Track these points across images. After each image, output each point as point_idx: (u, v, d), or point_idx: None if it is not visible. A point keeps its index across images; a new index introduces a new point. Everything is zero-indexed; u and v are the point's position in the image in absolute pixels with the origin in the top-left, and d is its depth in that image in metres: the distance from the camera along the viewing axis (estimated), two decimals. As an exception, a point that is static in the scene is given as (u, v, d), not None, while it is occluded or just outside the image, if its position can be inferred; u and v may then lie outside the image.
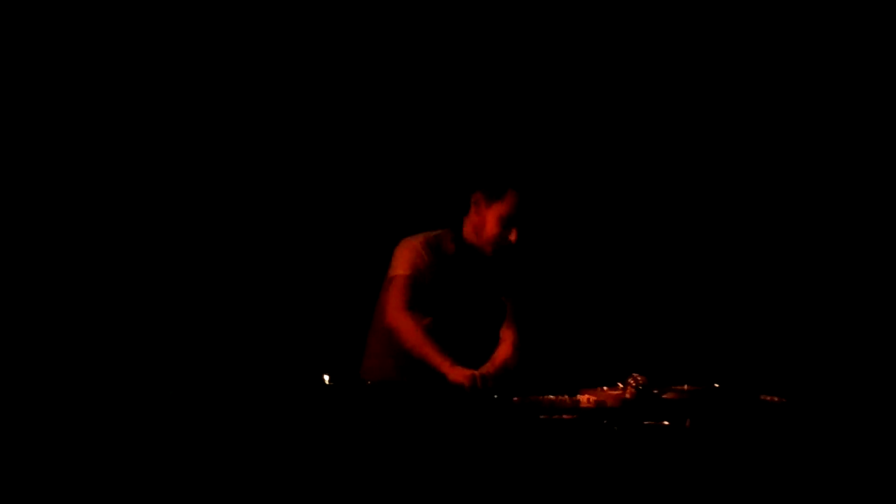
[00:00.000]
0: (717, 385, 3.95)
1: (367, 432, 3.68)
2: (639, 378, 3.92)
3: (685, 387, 3.97)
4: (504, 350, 4.23)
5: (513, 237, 4.13)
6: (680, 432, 3.82)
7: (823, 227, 5.45)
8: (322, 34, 5.24)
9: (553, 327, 4.70)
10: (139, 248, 5.25)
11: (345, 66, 5.24)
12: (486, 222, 4.15)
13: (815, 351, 5.22)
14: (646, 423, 3.83)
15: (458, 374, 3.86)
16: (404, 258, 4.13)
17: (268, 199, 5.15)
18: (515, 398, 3.81)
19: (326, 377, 3.72)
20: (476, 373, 3.90)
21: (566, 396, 3.92)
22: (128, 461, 4.81)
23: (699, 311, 5.31)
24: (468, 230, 4.20)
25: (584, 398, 3.91)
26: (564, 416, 3.84)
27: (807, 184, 5.45)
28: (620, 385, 3.94)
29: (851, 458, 3.98)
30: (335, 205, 5.12)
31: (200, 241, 5.21)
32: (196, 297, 5.17)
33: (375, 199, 5.07)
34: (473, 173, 4.36)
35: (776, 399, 3.88)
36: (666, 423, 3.82)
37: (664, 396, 3.90)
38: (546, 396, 3.90)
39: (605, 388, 3.97)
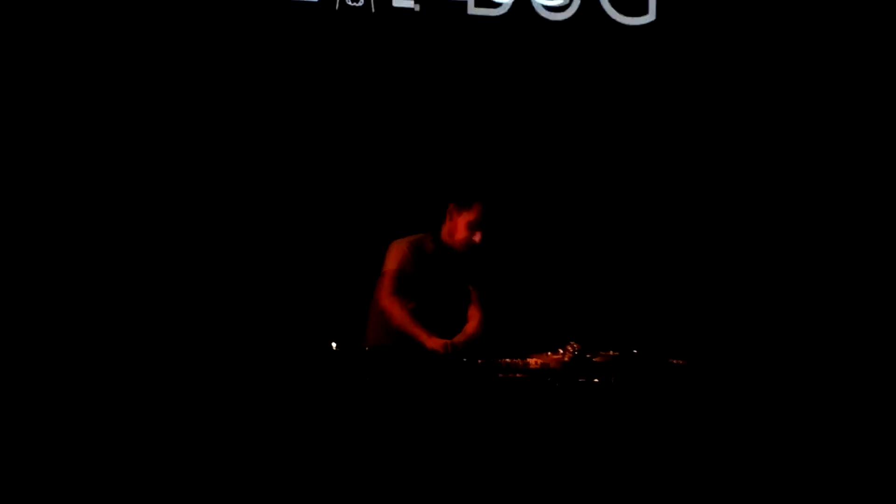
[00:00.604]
0: (635, 351, 4.70)
1: (364, 387, 4.44)
2: (575, 345, 4.64)
3: (611, 352, 4.69)
4: (471, 325, 5.01)
5: (477, 238, 4.97)
6: (606, 388, 4.57)
7: (722, 209, 6.16)
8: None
9: (509, 306, 5.38)
10: (147, 233, 5.62)
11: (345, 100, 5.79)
12: (457, 227, 4.99)
13: (713, 323, 6.03)
14: (580, 380, 4.56)
15: (434, 342, 4.70)
16: (393, 256, 4.96)
17: (289, 204, 5.77)
18: (479, 360, 4.59)
19: (334, 344, 4.55)
20: (448, 342, 4.73)
21: (518, 360, 4.62)
22: (140, 433, 5.04)
23: (622, 293, 6.08)
24: (444, 234, 5.03)
25: (533, 361, 4.62)
26: (517, 375, 4.59)
27: (705, 168, 6.15)
28: (561, 351, 4.64)
29: (740, 410, 4.67)
30: (347, 210, 5.80)
31: (220, 234, 5.73)
32: (219, 286, 5.71)
33: (376, 206, 5.77)
34: (448, 189, 5.12)
35: (680, 362, 4.67)
36: (596, 380, 4.56)
37: (595, 360, 4.61)
38: (503, 359, 4.62)
39: (549, 353, 4.66)
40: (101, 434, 5.05)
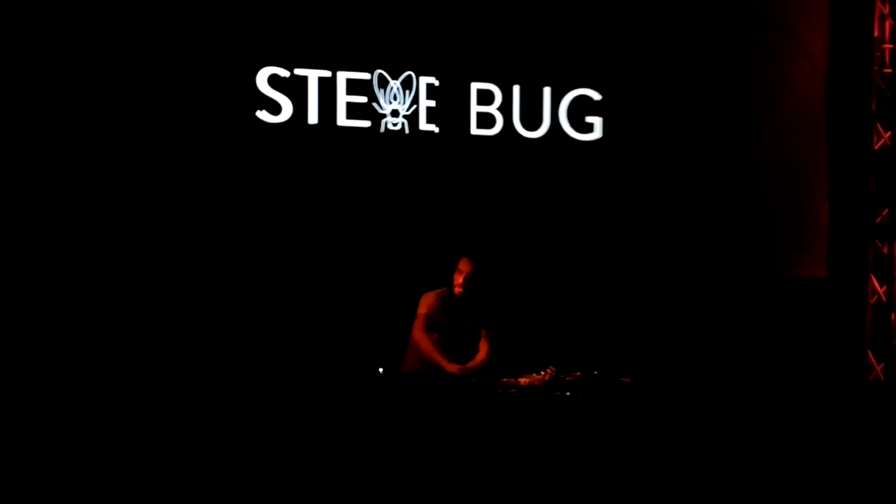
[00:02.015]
0: (595, 372, 5.89)
1: (403, 400, 5.67)
2: (552, 368, 5.85)
3: (578, 373, 5.89)
4: (480, 355, 6.21)
5: (459, 280, 6.21)
6: (576, 400, 5.64)
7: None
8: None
9: (505, 339, 6.55)
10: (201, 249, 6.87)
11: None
12: (453, 280, 6.29)
13: (650, 350, 7.47)
14: (556, 393, 5.66)
15: (451, 367, 6.03)
16: (423, 304, 6.31)
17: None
18: (484, 380, 5.84)
19: (381, 369, 5.90)
20: (462, 367, 6.03)
21: (512, 379, 5.83)
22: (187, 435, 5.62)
23: (586, 330, 7.57)
24: (454, 287, 6.34)
25: (523, 380, 5.82)
26: (511, 391, 5.71)
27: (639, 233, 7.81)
28: (542, 372, 5.85)
29: (670, 414, 5.78)
30: (395, 271, 7.24)
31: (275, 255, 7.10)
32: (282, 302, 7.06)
33: (414, 269, 7.11)
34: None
35: (627, 380, 5.86)
36: (568, 394, 5.66)
37: (567, 379, 5.80)
38: (501, 379, 5.83)
39: (534, 374, 5.85)
40: (153, 453, 5.50)
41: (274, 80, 7.04)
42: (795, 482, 5.87)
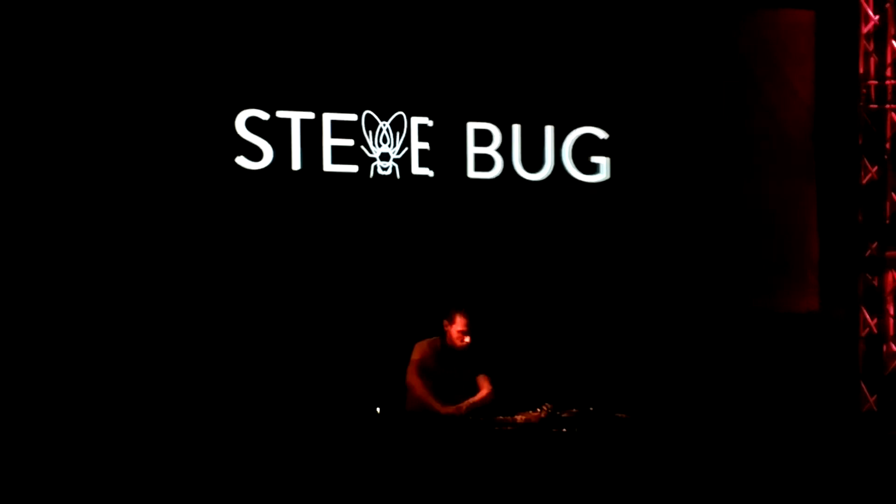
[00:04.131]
0: (591, 408, 5.97)
1: (400, 439, 5.80)
2: (548, 405, 5.95)
3: (573, 410, 5.95)
4: (480, 395, 6.33)
5: (467, 340, 6.35)
6: (571, 436, 5.75)
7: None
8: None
9: (503, 378, 6.66)
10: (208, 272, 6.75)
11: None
12: (452, 335, 6.39)
13: (652, 384, 7.62)
14: (553, 430, 5.79)
15: (446, 409, 6.17)
16: (417, 351, 6.45)
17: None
18: (481, 418, 5.98)
19: (378, 409, 5.99)
20: (457, 406, 6.17)
21: (509, 417, 5.95)
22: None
23: (579, 370, 7.65)
24: (448, 340, 6.42)
25: (519, 417, 5.95)
26: (507, 427, 5.85)
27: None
28: (538, 409, 5.94)
29: (670, 455, 5.86)
30: (393, 316, 7.15)
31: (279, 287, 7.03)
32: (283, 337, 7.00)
33: (411, 315, 7.05)
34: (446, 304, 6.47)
35: (623, 416, 5.97)
36: (564, 430, 5.78)
37: (563, 415, 5.90)
38: (498, 417, 5.98)
39: (530, 411, 5.96)
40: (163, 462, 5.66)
41: (253, 124, 6.81)
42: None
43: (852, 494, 6.13)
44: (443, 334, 6.51)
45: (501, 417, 5.98)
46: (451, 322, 6.42)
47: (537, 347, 7.60)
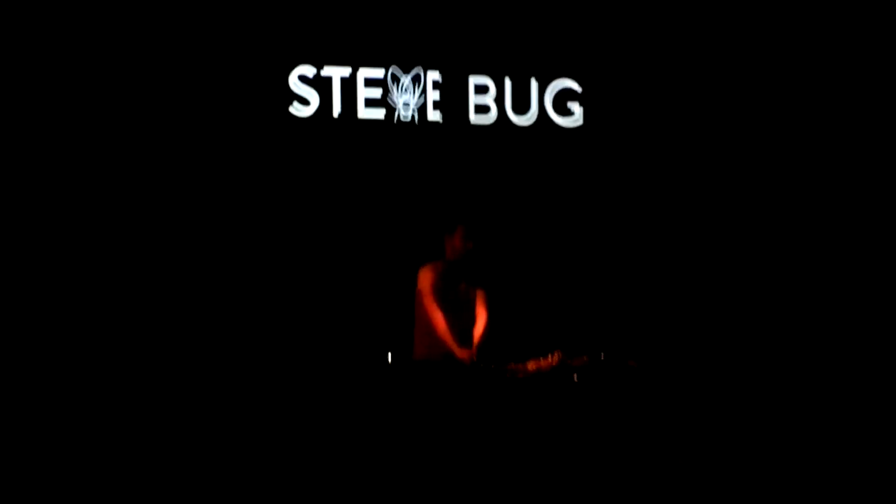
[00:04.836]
0: (602, 356, 5.93)
1: (411, 388, 5.83)
2: (558, 353, 5.85)
3: (584, 357, 5.87)
4: (479, 327, 6.28)
5: (470, 245, 6.38)
6: (582, 384, 5.72)
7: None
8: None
9: (513, 323, 6.90)
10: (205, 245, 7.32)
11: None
12: (455, 246, 6.40)
13: (662, 332, 7.68)
14: (564, 378, 5.72)
15: (461, 353, 6.11)
16: (426, 277, 6.34)
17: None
18: (493, 365, 5.94)
19: (390, 356, 6.04)
20: (469, 353, 6.11)
21: (520, 364, 5.87)
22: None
23: (592, 314, 7.83)
24: (448, 255, 6.41)
25: (530, 365, 5.86)
26: (519, 376, 5.82)
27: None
28: (549, 357, 5.83)
29: (681, 403, 5.91)
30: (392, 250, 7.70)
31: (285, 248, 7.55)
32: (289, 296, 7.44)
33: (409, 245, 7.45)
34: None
35: (633, 363, 5.92)
36: (575, 377, 5.75)
37: (573, 363, 5.81)
38: (509, 364, 5.89)
39: (541, 359, 5.86)
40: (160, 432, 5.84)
41: (302, 78, 7.81)
42: (801, 464, 6.02)
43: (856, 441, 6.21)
44: (443, 254, 6.57)
45: (513, 365, 5.96)
46: (453, 233, 6.50)
47: (546, 289, 7.99)
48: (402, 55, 7.93)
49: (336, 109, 7.80)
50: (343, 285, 7.71)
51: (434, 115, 7.98)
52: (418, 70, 7.95)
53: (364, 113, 7.85)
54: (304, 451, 5.88)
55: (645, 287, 8.03)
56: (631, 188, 8.24)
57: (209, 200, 7.53)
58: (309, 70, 7.78)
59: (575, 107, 8.18)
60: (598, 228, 8.17)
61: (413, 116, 7.95)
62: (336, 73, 7.82)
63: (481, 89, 8.11)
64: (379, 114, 7.88)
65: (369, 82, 7.89)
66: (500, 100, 8.08)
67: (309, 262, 7.70)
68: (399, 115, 7.92)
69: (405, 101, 7.92)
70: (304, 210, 7.76)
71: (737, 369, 7.11)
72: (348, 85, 7.81)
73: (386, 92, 7.89)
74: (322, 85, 7.78)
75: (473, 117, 8.06)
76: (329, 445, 5.86)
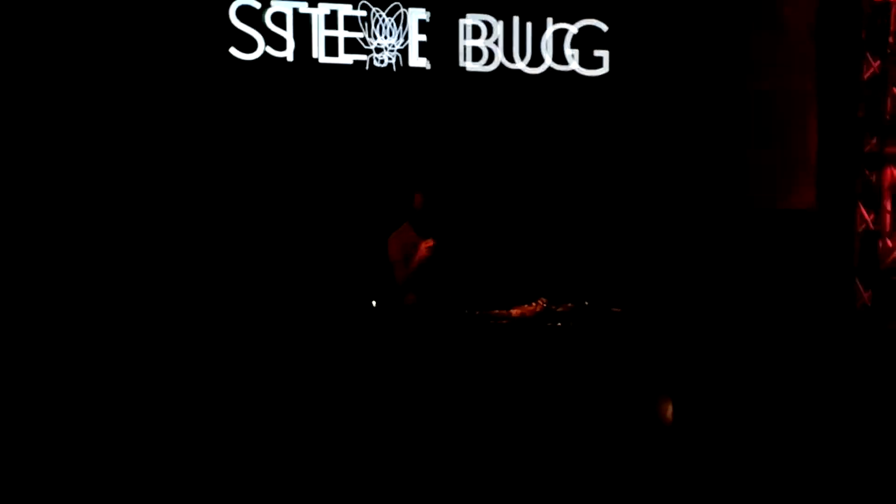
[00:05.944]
0: (586, 303, 6.00)
1: (396, 333, 5.86)
2: (543, 300, 5.96)
3: (569, 304, 5.98)
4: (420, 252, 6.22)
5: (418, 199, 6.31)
6: (567, 330, 5.79)
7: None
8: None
9: (498, 272, 6.88)
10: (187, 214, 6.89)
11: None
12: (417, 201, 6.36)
13: (647, 279, 7.69)
14: (548, 324, 5.82)
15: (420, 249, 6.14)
16: (394, 249, 6.37)
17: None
18: (477, 312, 5.94)
19: (374, 302, 6.08)
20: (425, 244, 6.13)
21: (504, 311, 5.95)
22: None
23: (575, 262, 7.71)
24: (417, 210, 6.36)
25: (515, 311, 5.93)
26: (503, 322, 5.86)
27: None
28: (534, 303, 5.95)
29: (665, 350, 5.94)
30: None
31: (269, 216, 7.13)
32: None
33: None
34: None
35: (617, 310, 5.98)
36: (559, 324, 5.81)
37: (558, 310, 5.90)
38: (492, 310, 5.94)
39: (525, 305, 5.96)
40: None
41: (246, 14, 6.62)
42: (785, 412, 5.98)
43: (846, 388, 6.18)
44: (412, 214, 6.48)
45: (497, 311, 5.95)
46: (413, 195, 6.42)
47: (534, 241, 7.71)
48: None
49: (289, 52, 6.62)
50: (319, 237, 7.31)
51: (419, 62, 7.00)
52: (397, 4, 6.88)
53: (326, 58, 6.68)
54: (291, 398, 5.88)
55: (631, 235, 7.94)
56: (640, 141, 7.80)
57: (153, 153, 6.90)
58: (256, 4, 6.61)
59: (601, 52, 7.26)
60: (599, 178, 7.83)
61: (391, 62, 6.90)
62: (289, 7, 6.60)
63: (480, 31, 7.09)
64: (347, 59, 6.82)
65: (334, 20, 6.73)
66: (504, 43, 7.01)
67: (276, 216, 7.23)
68: (372, 61, 6.83)
69: (378, 45, 6.81)
70: (263, 165, 7.07)
71: (720, 316, 7.14)
72: (302, 22, 6.65)
73: (356, 32, 6.81)
74: (275, 22, 6.62)
75: (470, 64, 7.00)
76: (310, 389, 5.86)
